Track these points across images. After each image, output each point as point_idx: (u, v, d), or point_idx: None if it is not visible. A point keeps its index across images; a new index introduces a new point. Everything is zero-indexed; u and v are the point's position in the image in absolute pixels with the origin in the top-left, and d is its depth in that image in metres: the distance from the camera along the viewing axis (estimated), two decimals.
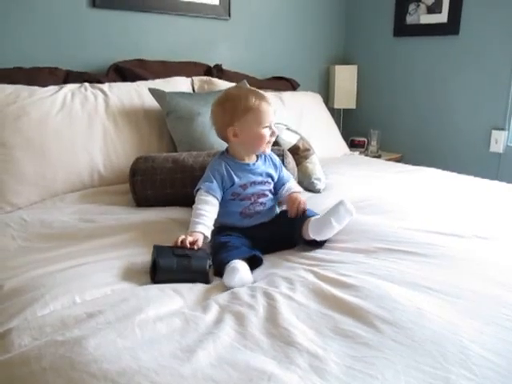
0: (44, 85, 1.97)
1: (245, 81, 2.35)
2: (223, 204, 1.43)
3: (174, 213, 1.61)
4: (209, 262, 1.23)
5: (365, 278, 1.13)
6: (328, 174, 2.07)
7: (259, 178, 1.46)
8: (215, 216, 1.39)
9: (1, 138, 1.72)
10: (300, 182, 1.85)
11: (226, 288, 1.14)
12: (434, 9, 2.93)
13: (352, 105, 3.32)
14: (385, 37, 3.23)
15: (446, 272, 1.17)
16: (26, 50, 2.09)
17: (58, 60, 2.16)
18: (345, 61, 3.43)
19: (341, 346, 0.89)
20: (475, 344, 0.88)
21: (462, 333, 0.91)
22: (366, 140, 3.21)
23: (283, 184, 1.54)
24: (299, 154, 1.89)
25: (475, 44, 2.80)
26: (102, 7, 2.26)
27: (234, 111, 1.42)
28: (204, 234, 1.31)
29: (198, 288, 1.13)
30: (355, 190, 1.88)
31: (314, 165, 1.90)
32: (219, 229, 1.44)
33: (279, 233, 1.43)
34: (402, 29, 3.12)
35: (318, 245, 1.36)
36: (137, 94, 2.13)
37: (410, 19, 3.07)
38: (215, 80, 2.45)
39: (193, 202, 1.40)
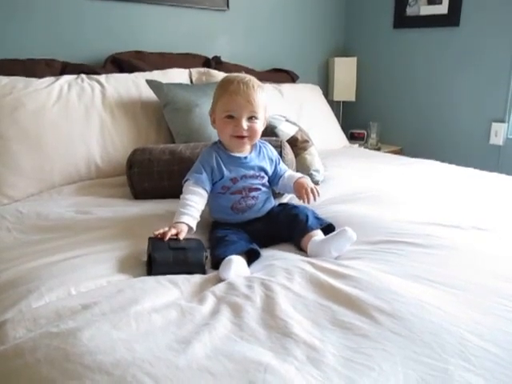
0: (41, 76, 1.96)
1: (243, 72, 2.33)
2: (214, 198, 1.40)
3: (171, 205, 1.58)
4: (205, 253, 1.21)
5: (364, 269, 1.11)
6: (327, 166, 2.06)
7: (251, 172, 1.41)
8: (202, 207, 1.35)
9: None
10: None
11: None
12: (434, 0, 2.91)
13: (351, 97, 3.30)
14: (385, 29, 3.21)
15: (445, 263, 1.16)
16: (23, 41, 2.06)
17: (55, 51, 2.14)
18: (344, 53, 3.41)
19: (338, 337, 0.88)
20: (474, 335, 0.87)
21: (461, 324, 0.90)
22: (365, 132, 3.19)
23: (281, 176, 1.49)
24: (298, 145, 1.87)
25: (475, 35, 2.78)
26: None
27: (216, 96, 1.39)
28: (189, 225, 1.28)
29: (195, 279, 1.12)
30: (354, 182, 1.88)
31: (313, 156, 1.89)
32: (216, 223, 1.43)
33: (277, 227, 1.40)
34: (402, 20, 3.10)
35: None
36: (134, 85, 2.12)
37: (410, 11, 3.05)
38: (213, 71, 2.43)
39: None
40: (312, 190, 1.40)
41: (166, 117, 2.06)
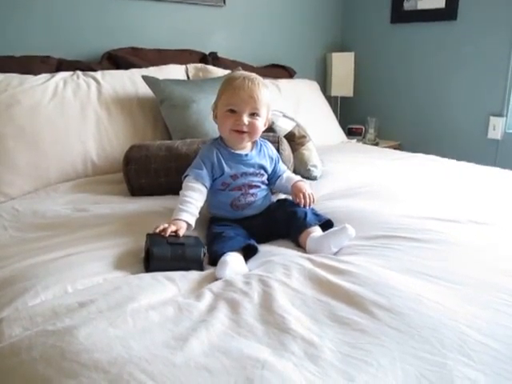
0: (36, 73, 1.95)
1: (240, 68, 2.32)
2: (213, 194, 1.40)
3: (168, 201, 1.58)
4: (203, 249, 1.21)
5: (362, 264, 1.11)
6: (325, 162, 2.05)
7: (251, 169, 1.41)
8: (202, 204, 1.35)
9: None
10: (296, 169, 1.83)
11: None
12: None
13: (349, 92, 3.29)
14: (382, 23, 3.19)
15: (443, 258, 1.16)
16: (18, 38, 2.05)
17: (51, 48, 2.12)
18: (342, 48, 3.39)
19: (337, 332, 0.87)
20: (473, 330, 0.87)
21: (460, 318, 0.89)
22: (363, 128, 3.18)
23: (279, 176, 1.50)
24: (295, 140, 1.87)
25: (473, 29, 2.77)
26: None
27: (220, 91, 1.38)
28: (188, 222, 1.28)
29: (192, 276, 1.12)
30: (352, 177, 1.87)
31: (311, 152, 1.88)
32: (213, 219, 1.42)
33: (275, 222, 1.40)
34: (400, 15, 3.09)
35: None
36: (130, 81, 2.11)
37: (407, 5, 3.03)
38: (210, 67, 2.43)
39: None
40: (309, 196, 1.41)
41: (162, 113, 2.05)
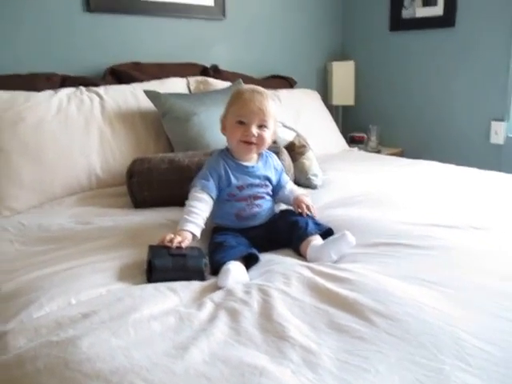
0: (41, 90, 1.98)
1: (240, 80, 2.36)
2: (218, 204, 1.41)
3: (171, 213, 1.61)
4: (204, 260, 1.22)
5: (360, 271, 1.12)
6: (326, 170, 2.07)
7: (257, 181, 1.43)
8: (207, 215, 1.36)
9: None
10: (297, 179, 1.85)
11: None
12: (429, 1, 2.92)
13: (350, 101, 3.31)
14: (381, 32, 3.22)
15: (441, 264, 1.17)
16: (23, 56, 2.10)
17: (55, 65, 2.17)
18: (342, 57, 3.42)
19: (335, 340, 0.88)
20: (470, 335, 0.88)
21: (457, 324, 0.90)
22: (365, 136, 3.20)
23: (282, 187, 1.52)
24: (295, 150, 1.89)
25: (472, 35, 2.79)
26: (96, 11, 2.27)
27: (229, 103, 1.42)
28: (193, 234, 1.29)
29: (194, 286, 1.13)
30: (352, 185, 1.89)
31: (311, 161, 1.90)
32: (216, 228, 1.44)
33: (277, 232, 1.41)
34: (398, 23, 3.12)
35: None
36: (132, 96, 2.14)
37: (405, 13, 3.06)
38: (211, 80, 2.46)
39: None
40: (311, 206, 1.44)
41: (164, 126, 2.08)
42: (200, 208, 1.34)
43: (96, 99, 2.03)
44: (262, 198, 1.44)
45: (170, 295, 1.07)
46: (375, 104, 3.36)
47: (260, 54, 2.99)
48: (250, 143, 1.38)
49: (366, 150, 3.04)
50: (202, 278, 1.19)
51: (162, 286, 1.10)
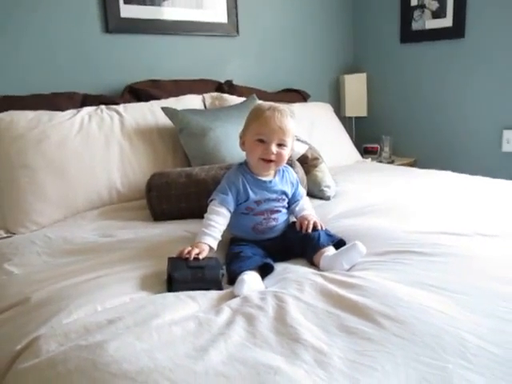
0: (63, 109, 2.08)
1: (254, 95, 2.43)
2: (236, 217, 1.45)
3: (189, 226, 1.67)
4: (221, 271, 1.28)
5: (371, 278, 1.17)
6: (339, 182, 2.12)
7: (274, 195, 1.46)
8: (224, 228, 1.41)
9: (25, 161, 1.83)
10: (310, 191, 1.90)
11: None
12: (438, 13, 2.98)
13: (363, 112, 3.37)
14: (392, 44, 3.28)
15: (449, 270, 1.21)
16: (45, 77, 2.21)
17: (76, 85, 2.27)
18: (354, 70, 3.48)
19: (345, 341, 0.93)
20: (474, 336, 0.92)
21: (461, 325, 0.95)
22: (378, 146, 3.24)
23: (297, 200, 1.55)
24: (308, 163, 1.94)
25: (481, 45, 2.83)
26: (115, 32, 2.38)
27: (248, 120, 1.46)
28: (210, 246, 1.35)
29: (212, 295, 1.19)
30: (365, 196, 1.93)
31: (324, 173, 1.96)
32: (233, 239, 1.49)
33: (291, 244, 1.46)
34: (409, 35, 3.17)
35: None
36: (150, 113, 2.23)
37: (415, 25, 3.12)
38: (226, 96, 2.53)
39: None
40: (314, 222, 1.46)
41: (181, 141, 2.16)
42: (217, 221, 1.39)
43: (116, 117, 2.12)
44: (279, 211, 1.48)
45: (190, 302, 1.13)
46: (388, 115, 3.40)
47: (273, 69, 3.07)
48: (270, 161, 1.41)
49: (379, 161, 3.08)
50: (219, 287, 1.25)
51: (182, 295, 1.16)
